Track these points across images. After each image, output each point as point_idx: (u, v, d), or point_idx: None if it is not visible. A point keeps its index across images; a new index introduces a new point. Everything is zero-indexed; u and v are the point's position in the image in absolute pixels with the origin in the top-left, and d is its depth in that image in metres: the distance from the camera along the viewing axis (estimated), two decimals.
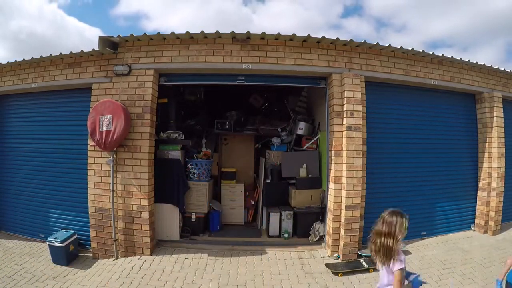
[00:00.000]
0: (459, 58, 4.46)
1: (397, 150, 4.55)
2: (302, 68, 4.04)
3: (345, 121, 3.95)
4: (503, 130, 4.87)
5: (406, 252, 4.09)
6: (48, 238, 3.89)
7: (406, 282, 2.18)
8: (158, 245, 4.22)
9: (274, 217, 4.74)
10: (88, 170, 4.04)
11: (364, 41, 3.97)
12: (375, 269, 3.61)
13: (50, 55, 4.20)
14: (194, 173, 4.81)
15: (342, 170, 3.98)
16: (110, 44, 3.94)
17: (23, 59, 4.38)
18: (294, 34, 3.84)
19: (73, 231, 4.07)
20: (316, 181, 4.83)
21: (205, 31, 3.80)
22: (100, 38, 3.78)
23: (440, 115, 4.80)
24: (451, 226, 4.84)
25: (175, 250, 4.13)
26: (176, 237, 4.42)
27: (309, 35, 3.84)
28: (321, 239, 4.40)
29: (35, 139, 4.67)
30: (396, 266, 1.95)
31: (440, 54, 4.35)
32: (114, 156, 3.93)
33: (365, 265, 3.66)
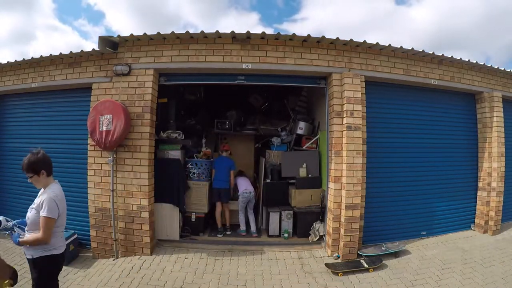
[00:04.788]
0: (459, 58, 4.46)
1: (397, 150, 4.55)
2: (302, 67, 4.04)
3: (345, 120, 3.95)
4: (503, 130, 4.87)
5: (406, 252, 4.09)
6: None
7: None
8: (158, 245, 4.23)
9: (274, 217, 4.74)
10: (88, 170, 4.04)
11: (364, 41, 3.97)
12: (375, 269, 3.62)
13: (50, 54, 4.21)
14: (194, 173, 4.81)
15: (342, 170, 3.97)
16: (110, 44, 3.94)
17: (23, 59, 4.38)
18: (294, 34, 3.84)
19: (73, 231, 4.07)
20: (316, 181, 4.83)
21: (205, 31, 3.80)
22: (100, 38, 3.78)
23: (440, 114, 4.80)
24: (451, 225, 4.84)
25: (175, 249, 4.13)
26: (176, 236, 4.42)
27: (309, 35, 3.84)
28: (321, 238, 4.40)
29: (35, 139, 4.67)
30: None
31: (440, 54, 4.35)
32: (114, 155, 3.93)
33: (365, 264, 3.65)
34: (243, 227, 4.89)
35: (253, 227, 4.87)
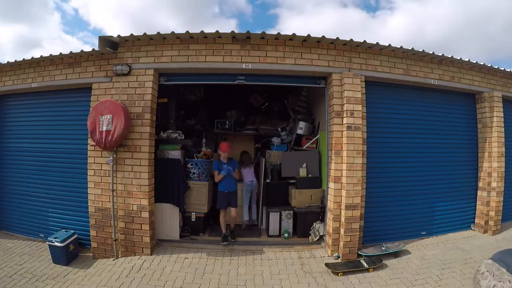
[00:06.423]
0: (459, 58, 4.46)
1: (397, 150, 4.55)
2: (302, 67, 4.03)
3: (345, 120, 3.95)
4: (503, 130, 4.87)
5: (406, 252, 4.10)
6: (48, 238, 3.89)
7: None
8: (158, 245, 4.23)
9: (274, 217, 4.74)
10: (88, 170, 4.04)
11: (364, 41, 3.97)
12: (375, 269, 3.62)
13: (50, 54, 4.20)
14: (194, 173, 4.81)
15: (342, 170, 3.97)
16: (110, 44, 3.94)
17: (23, 59, 4.38)
18: (294, 34, 3.84)
19: (73, 231, 4.07)
20: (316, 181, 4.83)
21: (205, 31, 3.80)
22: (100, 38, 3.78)
23: (440, 114, 4.79)
24: (451, 225, 4.84)
25: (175, 249, 4.13)
26: (176, 236, 4.42)
27: (309, 35, 3.84)
28: (321, 238, 4.40)
29: (35, 139, 4.67)
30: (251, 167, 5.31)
31: (440, 54, 4.35)
32: (114, 155, 3.93)
33: (365, 264, 3.66)
34: (246, 217, 5.19)
35: (254, 215, 5.24)
